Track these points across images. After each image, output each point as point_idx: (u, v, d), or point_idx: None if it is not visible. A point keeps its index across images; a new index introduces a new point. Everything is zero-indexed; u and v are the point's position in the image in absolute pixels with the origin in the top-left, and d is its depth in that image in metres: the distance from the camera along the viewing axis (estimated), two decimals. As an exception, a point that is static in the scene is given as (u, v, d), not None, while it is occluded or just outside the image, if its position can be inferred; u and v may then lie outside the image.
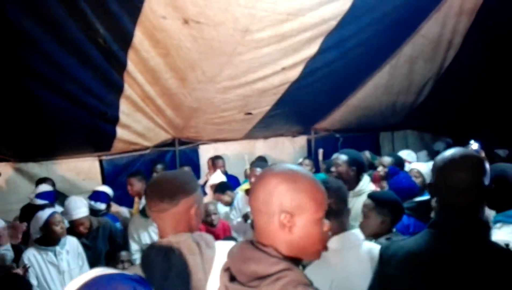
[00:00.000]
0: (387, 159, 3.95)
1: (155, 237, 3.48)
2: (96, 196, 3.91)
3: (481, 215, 1.30)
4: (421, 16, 4.43)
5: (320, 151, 5.80)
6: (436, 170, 1.35)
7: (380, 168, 3.67)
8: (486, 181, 1.28)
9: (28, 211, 3.62)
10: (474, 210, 1.28)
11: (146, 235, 3.43)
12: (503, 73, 5.30)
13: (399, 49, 4.85)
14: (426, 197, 3.08)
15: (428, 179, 3.95)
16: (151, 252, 1.40)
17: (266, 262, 0.95)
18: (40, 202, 3.71)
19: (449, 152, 1.35)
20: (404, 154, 4.91)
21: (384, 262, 1.37)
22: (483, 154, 3.85)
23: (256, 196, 1.02)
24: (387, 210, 2.26)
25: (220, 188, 4.12)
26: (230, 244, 1.50)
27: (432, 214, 2.70)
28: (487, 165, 1.31)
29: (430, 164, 4.48)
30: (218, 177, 4.34)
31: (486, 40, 4.93)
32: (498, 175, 1.78)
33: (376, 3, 3.62)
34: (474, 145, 3.79)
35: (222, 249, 1.42)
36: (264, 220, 1.01)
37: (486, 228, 1.34)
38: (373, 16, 3.76)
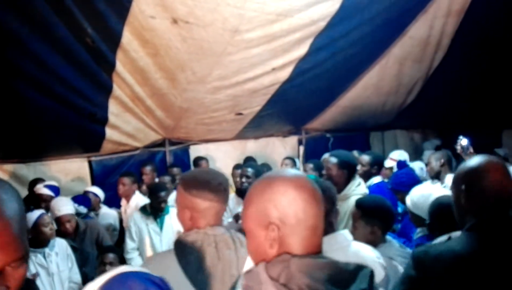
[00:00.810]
0: (365, 158, 3.89)
1: (154, 235, 3.51)
2: (80, 199, 3.87)
3: None
4: (409, 18, 4.47)
5: (301, 148, 5.79)
6: (466, 176, 1.45)
7: (359, 167, 3.66)
8: None
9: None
10: (509, 211, 1.39)
11: (145, 232, 3.48)
12: (490, 74, 5.38)
13: (388, 50, 4.89)
14: None
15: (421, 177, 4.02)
16: (186, 241, 1.42)
17: None
18: (46, 191, 3.75)
19: (475, 160, 1.47)
20: (396, 154, 4.96)
21: (426, 266, 1.36)
22: (471, 150, 3.90)
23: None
24: (377, 219, 2.16)
25: None
26: None
27: None
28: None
29: (414, 164, 4.54)
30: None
31: (474, 41, 5.00)
32: None
33: (364, 5, 3.65)
34: (463, 141, 3.81)
35: None
36: None
37: None
38: (361, 18, 3.79)
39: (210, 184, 1.47)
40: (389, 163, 4.86)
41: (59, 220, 3.32)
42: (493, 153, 5.49)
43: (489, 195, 1.39)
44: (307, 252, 0.91)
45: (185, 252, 1.40)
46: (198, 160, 5.10)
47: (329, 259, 0.92)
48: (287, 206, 0.91)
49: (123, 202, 4.13)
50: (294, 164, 4.89)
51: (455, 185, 1.49)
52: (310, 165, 4.13)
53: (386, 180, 4.04)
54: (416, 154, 6.47)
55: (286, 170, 1.06)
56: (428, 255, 1.37)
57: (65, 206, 3.37)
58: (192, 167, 5.21)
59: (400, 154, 4.96)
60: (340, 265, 0.90)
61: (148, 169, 4.52)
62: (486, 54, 5.08)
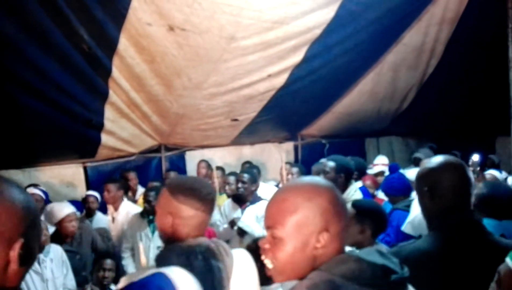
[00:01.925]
0: (330, 164, 3.91)
1: (146, 240, 3.51)
2: (73, 204, 3.85)
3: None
4: (404, 25, 4.52)
5: (283, 155, 5.81)
6: (428, 177, 1.48)
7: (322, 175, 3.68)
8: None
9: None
10: (470, 210, 1.46)
11: (141, 235, 3.52)
12: (484, 80, 5.44)
13: (382, 57, 4.94)
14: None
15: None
16: (169, 254, 1.34)
17: None
18: (38, 191, 3.73)
19: (435, 161, 1.50)
20: (381, 160, 5.08)
21: None
22: (478, 168, 3.97)
23: None
24: (368, 219, 2.19)
25: None
26: (245, 252, 1.50)
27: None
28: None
29: (410, 170, 4.61)
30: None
31: (467, 49, 5.06)
32: None
33: (359, 13, 3.69)
34: (475, 157, 3.89)
35: (238, 258, 1.43)
36: None
37: (481, 224, 1.47)
38: (356, 25, 3.83)
39: (199, 192, 1.40)
40: (378, 168, 4.94)
41: (62, 222, 3.30)
42: (486, 159, 5.55)
43: (450, 195, 1.42)
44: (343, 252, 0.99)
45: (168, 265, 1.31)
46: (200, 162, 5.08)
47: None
48: (334, 214, 0.97)
49: (110, 209, 4.04)
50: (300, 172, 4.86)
51: (418, 186, 1.53)
52: (295, 169, 4.13)
53: (369, 185, 4.13)
54: (411, 160, 6.50)
55: (320, 179, 1.10)
56: (399, 254, 1.40)
57: (66, 207, 3.39)
58: (192, 173, 5.19)
59: (382, 159, 5.14)
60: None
61: (132, 174, 4.53)
62: (480, 61, 5.14)
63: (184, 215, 1.37)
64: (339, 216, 0.98)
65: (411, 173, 4.25)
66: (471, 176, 1.47)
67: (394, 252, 1.46)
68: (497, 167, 4.91)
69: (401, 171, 4.45)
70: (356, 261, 0.92)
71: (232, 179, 3.93)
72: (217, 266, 1.34)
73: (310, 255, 0.95)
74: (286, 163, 4.44)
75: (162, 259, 1.33)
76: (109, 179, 4.18)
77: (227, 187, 4.02)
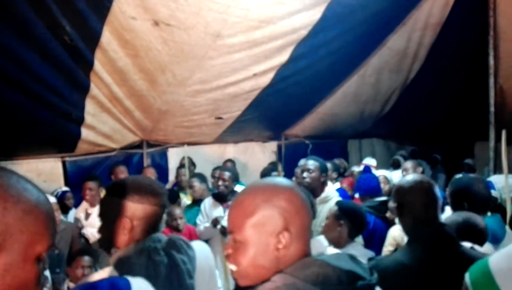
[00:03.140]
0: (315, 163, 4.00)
1: None
2: None
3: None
4: (388, 29, 4.58)
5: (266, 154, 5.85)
6: (405, 191, 1.62)
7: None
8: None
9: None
10: (440, 223, 1.58)
11: None
12: (465, 86, 5.56)
13: (366, 60, 4.99)
14: (384, 197, 3.26)
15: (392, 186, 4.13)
16: (129, 256, 1.27)
17: None
18: None
19: (410, 178, 1.68)
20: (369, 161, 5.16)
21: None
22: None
23: None
24: (346, 219, 2.29)
25: None
26: (204, 244, 1.50)
27: (388, 213, 3.02)
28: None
29: (394, 172, 4.70)
30: None
31: (450, 54, 5.16)
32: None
33: (345, 16, 3.72)
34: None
35: (200, 250, 1.42)
36: None
37: (453, 236, 1.57)
38: (342, 28, 3.86)
39: (152, 188, 1.36)
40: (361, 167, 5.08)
41: None
42: (462, 164, 5.70)
43: (417, 210, 1.56)
44: (308, 254, 0.98)
45: (134, 270, 1.20)
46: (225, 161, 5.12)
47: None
48: (295, 214, 0.95)
49: (83, 206, 3.89)
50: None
51: (392, 201, 1.69)
52: (227, 174, 4.10)
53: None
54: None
55: (281, 178, 1.09)
56: (378, 267, 1.46)
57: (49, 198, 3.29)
58: (173, 170, 5.13)
59: (371, 161, 5.31)
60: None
61: (122, 168, 4.42)
62: (461, 67, 5.26)
63: (143, 214, 1.32)
64: (300, 215, 0.96)
65: (395, 176, 4.35)
66: (438, 193, 1.60)
67: (373, 265, 1.50)
68: (473, 171, 5.03)
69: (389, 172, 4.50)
70: (321, 265, 0.91)
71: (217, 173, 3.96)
72: (181, 259, 1.32)
73: (272, 257, 0.93)
74: (215, 168, 4.36)
75: (123, 264, 1.25)
76: (89, 176, 4.05)
77: (212, 181, 4.05)
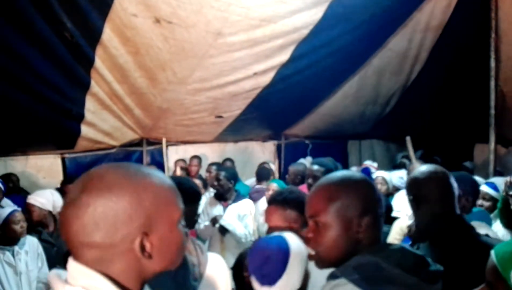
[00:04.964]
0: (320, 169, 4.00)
1: None
2: None
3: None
4: (389, 31, 4.57)
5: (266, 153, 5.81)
6: (414, 185, 1.52)
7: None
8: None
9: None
10: (458, 215, 1.50)
11: None
12: (466, 88, 5.55)
13: (367, 61, 4.98)
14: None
15: (391, 186, 4.12)
16: None
17: None
18: None
19: (422, 169, 1.55)
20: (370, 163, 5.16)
21: None
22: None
23: None
24: None
25: None
26: (218, 257, 1.51)
27: (393, 213, 3.00)
28: None
29: (394, 173, 4.69)
30: None
31: (451, 56, 5.15)
32: None
33: (346, 16, 3.71)
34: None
35: (213, 260, 1.46)
36: None
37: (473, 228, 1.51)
38: (343, 28, 3.85)
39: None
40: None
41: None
42: (461, 167, 5.69)
43: (434, 202, 1.46)
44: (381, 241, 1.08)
45: None
46: (190, 159, 5.11)
47: None
48: (374, 202, 1.05)
49: None
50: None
51: (407, 197, 1.57)
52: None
53: None
54: (392, 164, 6.59)
55: (353, 172, 1.20)
56: None
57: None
58: (172, 168, 5.14)
59: (373, 163, 5.30)
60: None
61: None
62: (462, 69, 5.25)
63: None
64: (378, 204, 1.05)
65: (394, 176, 4.34)
66: (455, 183, 1.50)
67: None
68: (471, 173, 5.02)
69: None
70: (400, 248, 1.01)
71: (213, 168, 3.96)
72: (190, 261, 1.35)
73: (353, 240, 1.01)
74: (210, 164, 4.42)
75: None
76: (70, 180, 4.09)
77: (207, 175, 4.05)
